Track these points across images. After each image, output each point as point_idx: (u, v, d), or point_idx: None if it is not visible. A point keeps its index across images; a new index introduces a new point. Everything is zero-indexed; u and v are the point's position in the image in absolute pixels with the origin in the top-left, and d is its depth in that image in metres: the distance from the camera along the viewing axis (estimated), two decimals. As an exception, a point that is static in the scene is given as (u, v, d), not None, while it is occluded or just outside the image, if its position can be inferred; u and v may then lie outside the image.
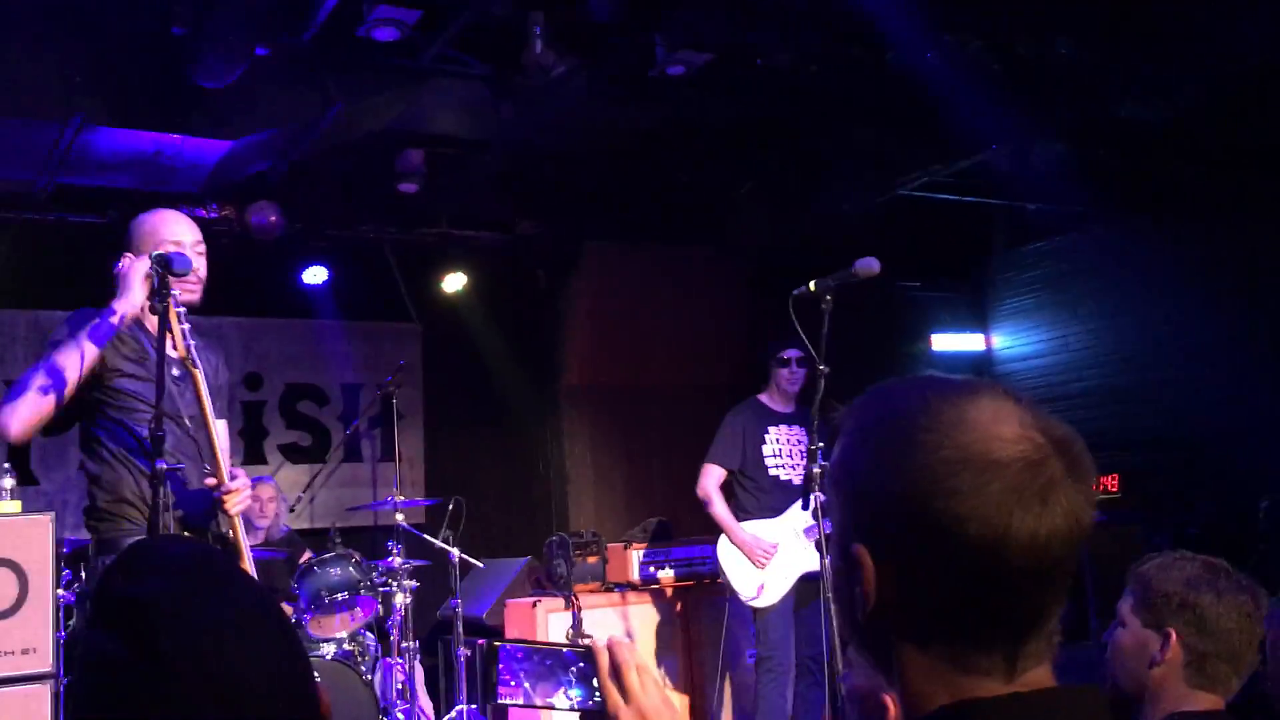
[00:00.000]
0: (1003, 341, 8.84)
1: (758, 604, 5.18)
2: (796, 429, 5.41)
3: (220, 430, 3.31)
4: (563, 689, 1.32)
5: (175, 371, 3.21)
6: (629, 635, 6.01)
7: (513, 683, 1.32)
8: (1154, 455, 6.72)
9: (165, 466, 2.91)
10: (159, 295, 2.95)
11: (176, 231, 3.32)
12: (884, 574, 1.00)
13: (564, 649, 1.37)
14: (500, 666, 1.34)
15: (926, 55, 5.49)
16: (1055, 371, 8.28)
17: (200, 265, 3.31)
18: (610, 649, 1.31)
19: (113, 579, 1.08)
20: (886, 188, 7.22)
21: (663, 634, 6.12)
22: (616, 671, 1.29)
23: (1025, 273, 8.60)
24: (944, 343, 9.02)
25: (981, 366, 8.91)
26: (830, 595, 3.48)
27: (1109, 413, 7.64)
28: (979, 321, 9.02)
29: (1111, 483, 6.22)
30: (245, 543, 3.26)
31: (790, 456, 5.35)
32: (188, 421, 3.23)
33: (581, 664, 1.33)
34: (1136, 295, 7.57)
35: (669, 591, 6.17)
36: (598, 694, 1.30)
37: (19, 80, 5.06)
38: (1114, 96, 5.97)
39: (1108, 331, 7.86)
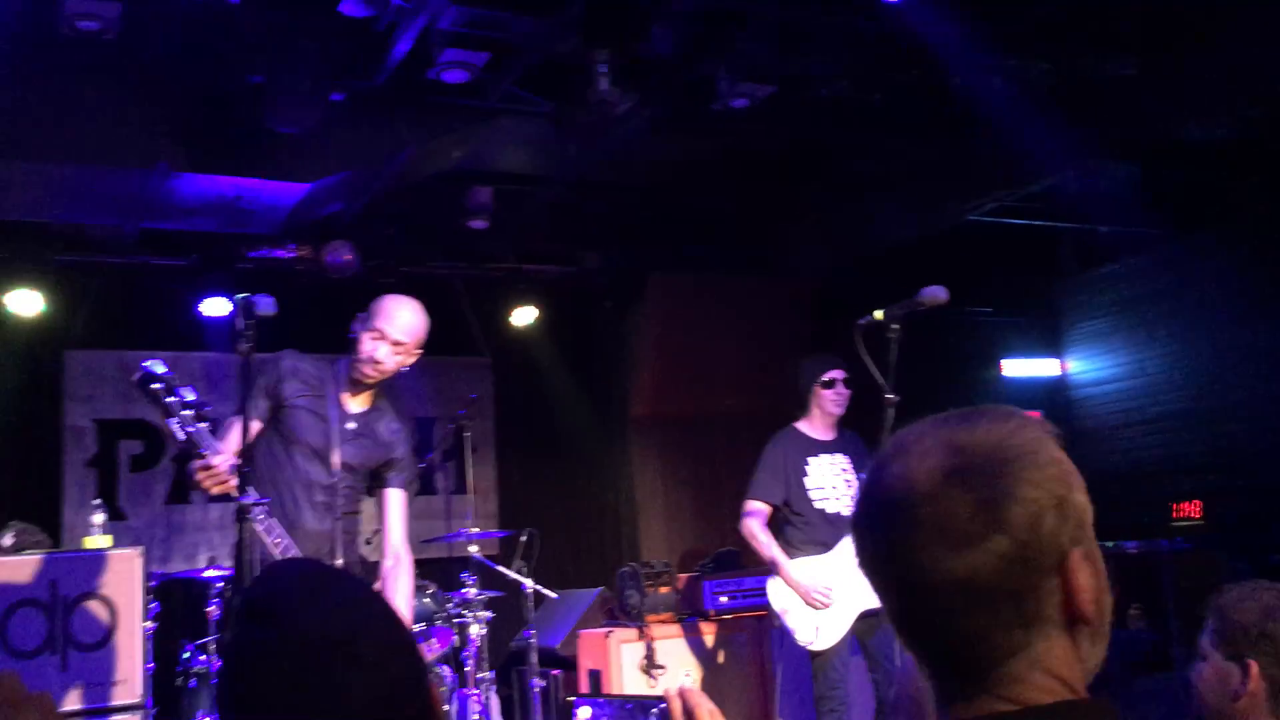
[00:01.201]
0: (1078, 366, 8.72)
1: (815, 647, 4.87)
2: (840, 457, 5.11)
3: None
4: None
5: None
6: (702, 666, 6.01)
7: None
8: (1236, 480, 6.57)
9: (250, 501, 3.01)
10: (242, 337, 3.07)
11: (379, 322, 3.69)
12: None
13: (640, 698, 1.43)
14: (575, 716, 1.41)
15: (990, 80, 5.47)
16: (1132, 396, 8.14)
17: (386, 358, 3.67)
18: (682, 695, 1.36)
19: (253, 587, 1.32)
20: (953, 214, 7.18)
21: (734, 664, 6.10)
22: (690, 716, 1.33)
23: (1098, 296, 8.48)
24: (1016, 368, 8.91)
25: (1057, 391, 8.79)
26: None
27: (1189, 437, 7.48)
28: (1052, 346, 8.90)
29: (1194, 509, 6.08)
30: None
31: (835, 488, 5.05)
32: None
33: (659, 705, 1.39)
34: (1212, 316, 7.43)
35: (740, 621, 6.15)
36: None
37: (105, 129, 5.28)
38: (1178, 116, 5.88)
39: (1184, 354, 7.71)
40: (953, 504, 1.01)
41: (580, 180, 6.64)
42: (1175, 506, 6.25)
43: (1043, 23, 5.31)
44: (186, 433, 3.23)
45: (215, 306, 6.60)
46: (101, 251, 6.61)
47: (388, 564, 3.86)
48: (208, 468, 3.23)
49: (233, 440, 3.61)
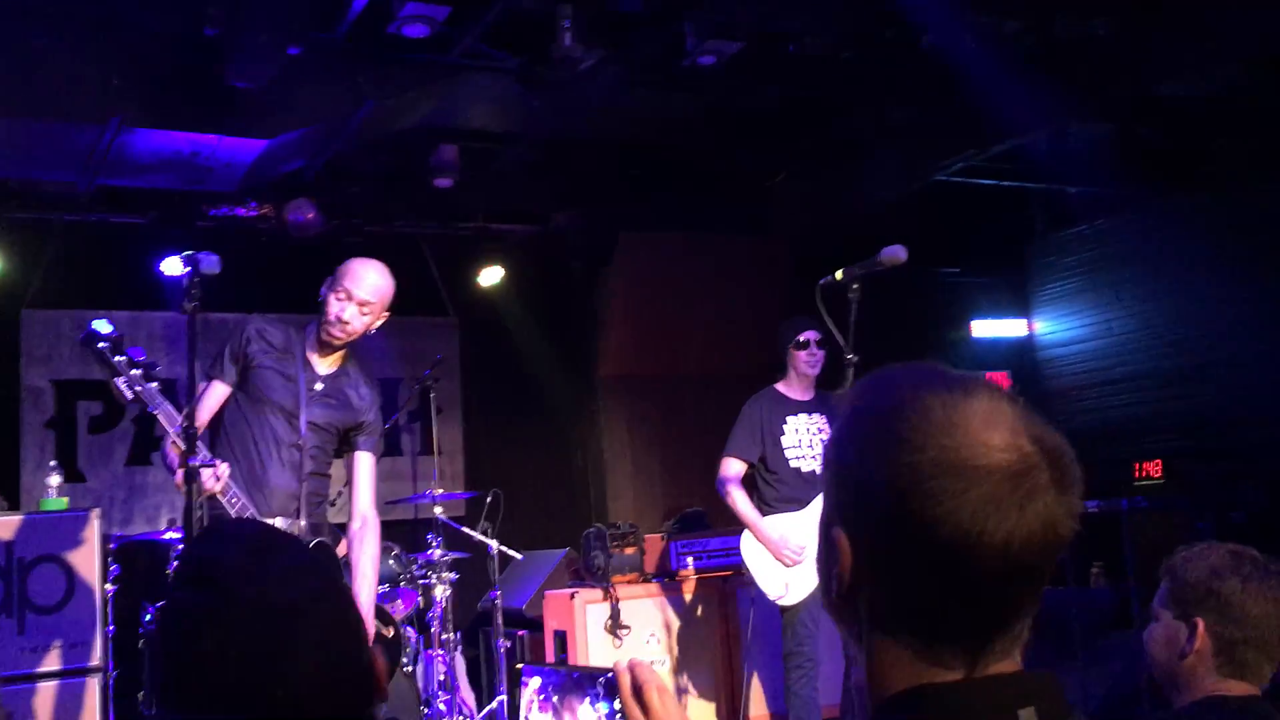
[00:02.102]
0: (1045, 327, 8.74)
1: (784, 603, 4.98)
2: (817, 417, 5.20)
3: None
4: (588, 700, 1.36)
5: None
6: (667, 626, 6.02)
7: (541, 698, 1.37)
8: (1199, 440, 6.62)
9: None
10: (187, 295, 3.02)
11: (346, 282, 3.72)
12: (859, 560, 1.01)
13: (588, 668, 1.42)
14: (524, 684, 1.39)
15: (962, 38, 5.41)
16: (1099, 356, 8.17)
17: (353, 318, 3.69)
18: (632, 669, 1.34)
19: (193, 548, 1.33)
20: (924, 173, 7.15)
21: (702, 624, 6.12)
22: (638, 691, 1.31)
23: (1066, 257, 8.48)
24: (985, 329, 8.93)
25: (1024, 352, 8.82)
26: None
27: (1153, 397, 7.53)
28: (1020, 307, 8.92)
29: (1155, 469, 6.13)
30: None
31: (811, 446, 5.13)
32: None
33: (607, 677, 1.37)
34: (1180, 277, 7.45)
35: (708, 582, 6.17)
36: (620, 716, 1.34)
37: (58, 83, 5.15)
38: (1152, 75, 5.85)
39: (1151, 314, 7.74)
40: None
41: (548, 137, 6.55)
42: (1138, 466, 6.30)
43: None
44: (134, 391, 3.20)
45: (174, 265, 6.46)
46: (57, 209, 6.49)
47: (355, 526, 3.86)
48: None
49: (205, 407, 3.66)
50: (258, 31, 4.80)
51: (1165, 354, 7.58)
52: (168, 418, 3.25)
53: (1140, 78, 5.96)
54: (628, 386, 8.17)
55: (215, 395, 3.71)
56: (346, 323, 3.68)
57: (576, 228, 7.90)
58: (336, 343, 3.74)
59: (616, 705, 1.34)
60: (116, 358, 3.16)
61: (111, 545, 5.20)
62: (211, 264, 3.12)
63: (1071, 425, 8.06)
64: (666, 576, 6.14)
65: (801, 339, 5.14)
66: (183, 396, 3.25)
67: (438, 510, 5.77)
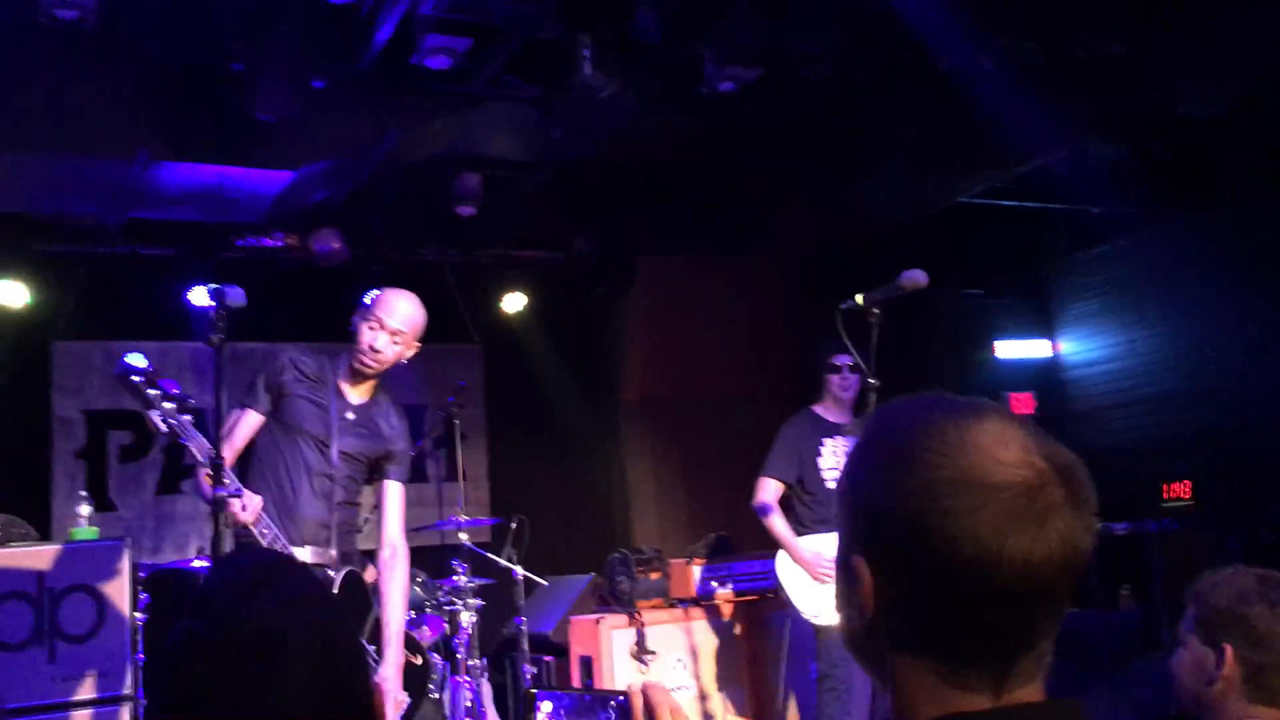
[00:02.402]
0: (1070, 347, 8.69)
1: (820, 622, 5.03)
2: (853, 440, 5.27)
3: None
4: None
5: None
6: (693, 651, 6.01)
7: None
8: (1226, 459, 6.54)
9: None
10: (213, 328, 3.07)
11: (379, 312, 3.75)
12: (880, 587, 1.02)
13: (600, 691, 1.41)
14: (537, 709, 1.38)
15: (979, 60, 5.42)
16: (1124, 376, 8.11)
17: (385, 347, 3.72)
18: (645, 691, 1.35)
19: (206, 579, 1.32)
20: (944, 195, 7.15)
21: (728, 649, 6.10)
22: (651, 714, 1.32)
23: (1090, 277, 8.44)
24: (1009, 350, 8.89)
25: (1049, 372, 8.76)
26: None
27: (1180, 417, 7.46)
28: (1044, 328, 8.87)
29: (1183, 489, 6.07)
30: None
31: None
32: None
33: (619, 699, 1.37)
34: (1204, 295, 7.39)
35: (732, 607, 6.15)
36: None
37: (86, 119, 5.24)
38: (1169, 94, 5.84)
39: (1176, 333, 7.68)
40: None
41: (568, 165, 6.60)
42: (1165, 487, 6.25)
43: (1030, 1, 5.27)
44: (168, 424, 3.24)
45: (202, 296, 6.55)
46: (87, 242, 6.57)
47: (384, 555, 3.88)
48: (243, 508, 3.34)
49: (239, 435, 3.70)
50: (282, 65, 4.88)
51: (1191, 373, 7.51)
52: (200, 449, 3.28)
53: (1158, 96, 5.95)
54: (650, 410, 8.18)
55: (248, 424, 3.74)
56: (379, 352, 3.71)
57: (596, 253, 7.94)
58: (369, 372, 3.77)
59: None
60: (150, 391, 3.20)
61: (141, 574, 5.25)
62: (237, 297, 3.17)
63: (1098, 446, 7.99)
64: (691, 602, 6.12)
65: (835, 363, 5.21)
66: (212, 428, 3.29)
67: (463, 536, 5.79)
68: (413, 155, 6.12)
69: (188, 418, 3.30)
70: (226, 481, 3.19)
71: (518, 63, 5.46)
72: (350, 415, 3.80)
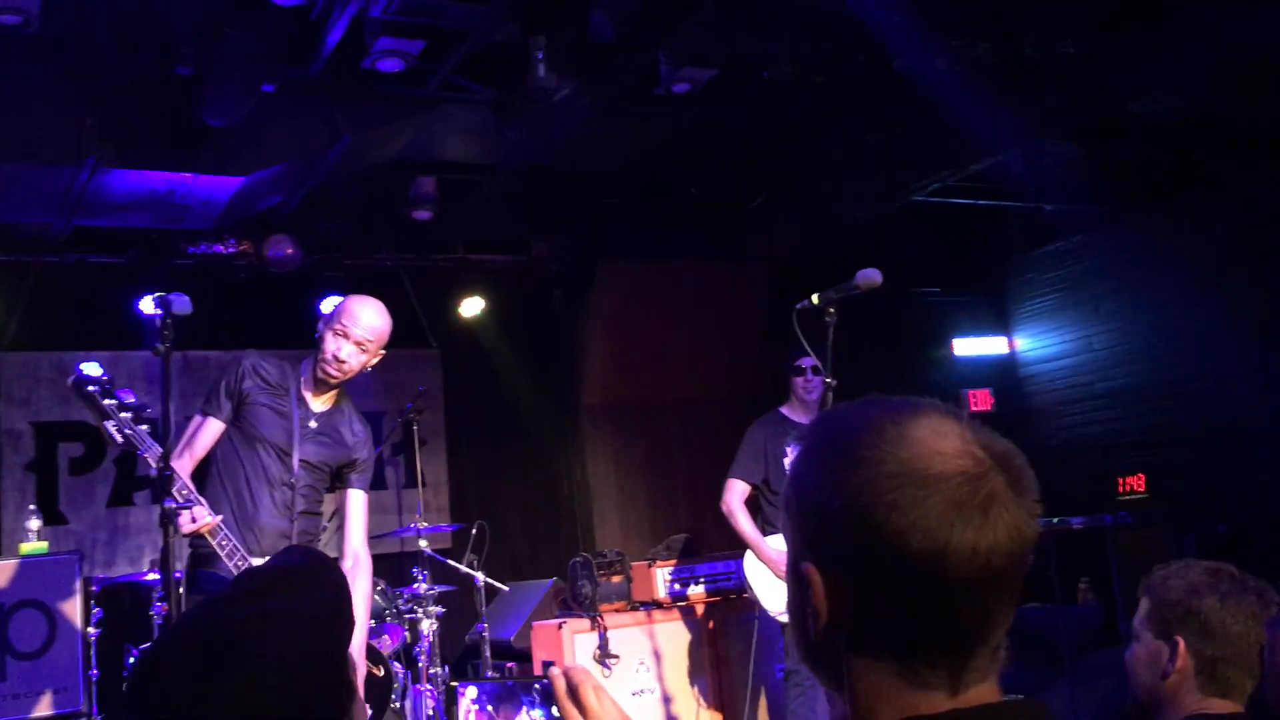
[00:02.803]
0: (1026, 344, 8.78)
1: (786, 619, 5.10)
2: None
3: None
4: (525, 709, 1.36)
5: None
6: (657, 654, 5.99)
7: (477, 709, 1.36)
8: (1181, 453, 6.64)
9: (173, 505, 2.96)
10: (160, 336, 3.02)
11: (344, 320, 3.70)
12: (832, 590, 1.02)
13: (523, 677, 1.41)
14: (460, 696, 1.38)
15: (934, 61, 5.46)
16: (1080, 372, 8.21)
17: (350, 356, 3.66)
18: (566, 673, 1.35)
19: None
20: (900, 194, 7.19)
21: (691, 652, 6.09)
22: (574, 694, 1.31)
23: (1045, 273, 8.54)
24: (966, 347, 8.96)
25: (1006, 369, 8.85)
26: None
27: (1135, 411, 7.56)
28: (1001, 324, 8.96)
29: (1138, 483, 6.15)
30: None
31: None
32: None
33: (542, 683, 1.37)
34: (1158, 291, 7.50)
35: (696, 609, 6.14)
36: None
37: (32, 125, 5.15)
38: (1123, 93, 5.92)
39: (1131, 329, 7.78)
40: None
41: (525, 168, 6.57)
42: (1121, 481, 6.33)
43: (984, 3, 5.31)
44: (124, 435, 3.18)
45: (147, 305, 6.47)
46: (33, 250, 6.46)
47: (347, 565, 3.82)
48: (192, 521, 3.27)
49: (199, 444, 3.63)
50: (231, 69, 4.81)
51: (1146, 368, 7.61)
52: (157, 459, 3.23)
53: (1112, 96, 6.02)
54: (611, 414, 8.16)
55: (209, 432, 3.66)
56: (343, 361, 3.67)
57: (556, 257, 7.91)
58: (333, 380, 3.72)
59: (554, 711, 1.34)
60: (107, 401, 3.14)
61: (94, 587, 5.16)
62: (183, 305, 3.11)
63: (1055, 441, 8.09)
64: (654, 604, 6.11)
65: (799, 365, 5.25)
66: (161, 437, 3.23)
67: (423, 543, 5.74)
68: (367, 159, 6.07)
69: (144, 427, 3.25)
70: (178, 493, 3.13)
71: (471, 65, 5.42)
72: (313, 424, 3.76)
